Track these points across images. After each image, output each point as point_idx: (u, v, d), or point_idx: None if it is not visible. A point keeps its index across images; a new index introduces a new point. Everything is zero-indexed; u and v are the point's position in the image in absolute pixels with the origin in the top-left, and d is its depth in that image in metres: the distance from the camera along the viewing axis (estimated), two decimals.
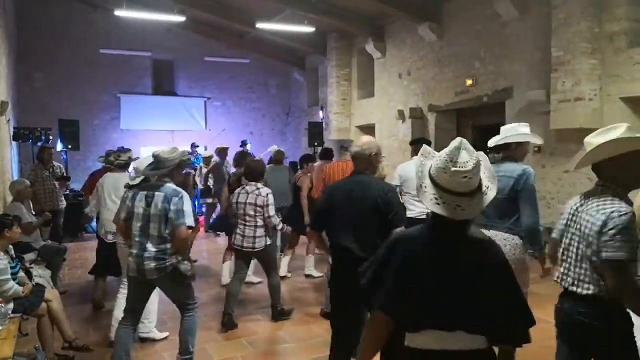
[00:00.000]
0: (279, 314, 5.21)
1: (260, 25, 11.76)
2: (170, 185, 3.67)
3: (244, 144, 12.85)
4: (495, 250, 1.91)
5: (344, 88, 13.63)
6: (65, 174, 8.28)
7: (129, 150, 5.87)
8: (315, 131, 13.06)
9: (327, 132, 13.63)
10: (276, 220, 5.14)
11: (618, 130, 2.30)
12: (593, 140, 2.34)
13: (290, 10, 11.27)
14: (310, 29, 11.75)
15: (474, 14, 9.43)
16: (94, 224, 10.38)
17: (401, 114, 11.18)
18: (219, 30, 14.52)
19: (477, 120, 10.26)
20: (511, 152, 3.80)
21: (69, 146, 10.86)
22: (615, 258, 2.16)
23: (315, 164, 7.55)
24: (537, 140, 4.02)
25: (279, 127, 17.15)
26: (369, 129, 13.09)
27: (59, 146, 10.78)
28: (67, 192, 9.87)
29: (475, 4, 9.34)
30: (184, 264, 3.67)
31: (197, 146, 13.38)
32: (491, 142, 3.91)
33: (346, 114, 13.64)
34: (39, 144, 9.53)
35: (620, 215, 2.18)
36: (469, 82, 9.55)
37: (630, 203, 2.29)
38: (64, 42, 13.75)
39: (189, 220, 3.57)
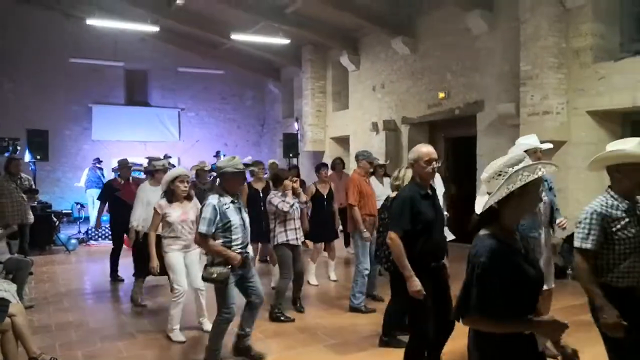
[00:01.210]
0: (273, 316, 5.38)
1: (235, 36, 11.77)
2: (212, 193, 4.11)
3: (217, 155, 12.76)
4: (481, 245, 2.07)
5: (319, 100, 13.71)
6: (33, 187, 7.98)
7: (160, 158, 6.57)
8: (290, 142, 13.07)
9: (302, 143, 13.66)
10: (276, 202, 5.32)
11: (619, 145, 2.75)
12: (607, 147, 2.83)
13: (265, 22, 11.32)
14: (285, 41, 11.81)
15: (446, 28, 9.63)
16: (62, 236, 10.18)
17: (375, 126, 11.27)
18: (193, 41, 14.47)
19: (449, 133, 10.43)
20: None
21: (38, 157, 10.57)
22: (574, 245, 2.77)
23: (330, 173, 7.68)
24: (544, 145, 4.30)
25: (253, 138, 17.12)
26: (343, 141, 13.17)
27: (27, 157, 10.50)
28: (35, 204, 9.61)
29: (447, 18, 9.53)
30: (211, 267, 3.94)
31: (170, 157, 13.22)
32: None
33: (321, 125, 13.71)
34: (7, 154, 9.27)
35: (585, 213, 2.76)
36: (441, 95, 9.72)
37: (627, 197, 2.74)
38: (34, 51, 13.50)
39: (200, 227, 3.90)
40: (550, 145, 4.50)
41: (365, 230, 5.61)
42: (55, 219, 10.47)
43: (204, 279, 3.99)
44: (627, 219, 2.68)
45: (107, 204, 7.50)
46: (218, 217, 3.91)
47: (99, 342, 4.82)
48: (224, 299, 3.97)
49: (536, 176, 2.05)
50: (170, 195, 4.78)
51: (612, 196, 2.74)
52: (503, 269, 2.01)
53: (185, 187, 4.82)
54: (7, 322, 3.91)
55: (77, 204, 12.47)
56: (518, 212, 2.11)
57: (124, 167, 7.60)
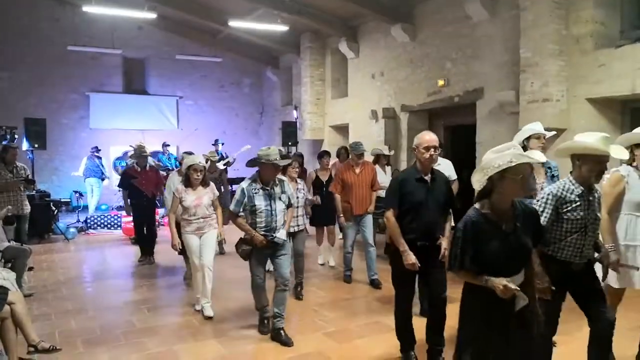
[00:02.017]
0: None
1: (233, 23, 11.67)
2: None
3: (216, 143, 12.73)
4: (465, 216, 2.52)
5: (318, 88, 13.63)
6: (30, 176, 7.78)
7: (192, 152, 6.74)
8: (289, 131, 13.02)
9: (301, 131, 13.61)
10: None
11: (583, 138, 3.08)
12: (574, 138, 3.15)
13: (264, 9, 11.22)
14: (283, 28, 11.72)
15: (445, 16, 9.55)
16: (61, 224, 10.18)
17: (374, 114, 11.23)
18: (191, 28, 14.36)
19: (448, 121, 10.39)
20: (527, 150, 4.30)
21: (36, 145, 10.53)
22: None
23: (332, 162, 7.95)
24: (547, 133, 4.49)
25: (252, 126, 17.06)
26: (342, 129, 13.13)
27: (25, 145, 10.45)
28: (34, 192, 9.58)
29: (447, 5, 9.45)
30: (242, 244, 4.47)
31: (169, 145, 13.20)
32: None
33: (320, 113, 13.65)
34: (5, 142, 9.21)
35: (543, 193, 3.13)
36: (440, 82, 9.66)
37: (583, 184, 3.07)
38: (30, 39, 13.39)
39: (230, 205, 4.49)
40: (554, 133, 4.82)
41: (341, 215, 6.25)
42: (54, 208, 10.46)
43: (237, 251, 4.54)
44: (578, 203, 3.05)
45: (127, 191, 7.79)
46: (246, 199, 4.38)
47: (98, 330, 4.85)
48: (250, 268, 4.56)
49: (505, 166, 2.33)
50: (187, 181, 5.23)
51: (570, 181, 3.11)
52: (471, 236, 2.41)
53: (198, 176, 5.18)
54: (6, 310, 3.91)
55: (76, 192, 12.45)
56: (502, 195, 2.42)
57: (140, 155, 7.77)
